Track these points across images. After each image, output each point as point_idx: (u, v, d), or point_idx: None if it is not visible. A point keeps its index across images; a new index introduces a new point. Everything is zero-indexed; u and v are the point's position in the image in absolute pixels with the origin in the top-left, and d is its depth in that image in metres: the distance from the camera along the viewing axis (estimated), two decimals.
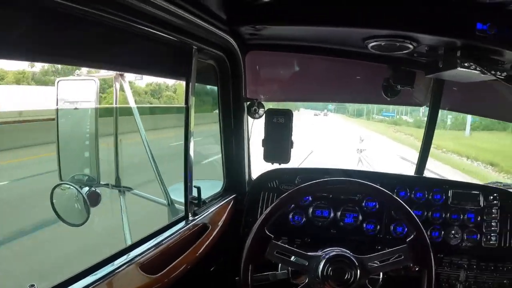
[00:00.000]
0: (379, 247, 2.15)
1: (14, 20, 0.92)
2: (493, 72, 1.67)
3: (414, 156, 2.74)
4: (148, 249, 1.54)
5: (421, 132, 2.47)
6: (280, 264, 1.78)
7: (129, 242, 2.42)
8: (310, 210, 2.26)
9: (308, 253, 1.63)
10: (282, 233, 2.19)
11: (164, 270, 1.54)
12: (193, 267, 1.74)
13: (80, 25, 1.14)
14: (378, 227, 2.24)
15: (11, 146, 7.41)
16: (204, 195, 2.08)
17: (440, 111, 2.39)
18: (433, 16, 1.54)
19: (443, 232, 2.23)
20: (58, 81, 2.44)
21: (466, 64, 1.67)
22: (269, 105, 2.31)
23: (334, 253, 1.61)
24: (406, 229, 2.13)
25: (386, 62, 2.24)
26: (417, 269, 1.60)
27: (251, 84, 2.31)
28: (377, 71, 2.33)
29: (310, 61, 2.39)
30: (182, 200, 1.96)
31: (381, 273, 1.79)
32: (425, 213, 2.25)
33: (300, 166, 2.80)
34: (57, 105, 2.39)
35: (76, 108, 2.50)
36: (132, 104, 3.08)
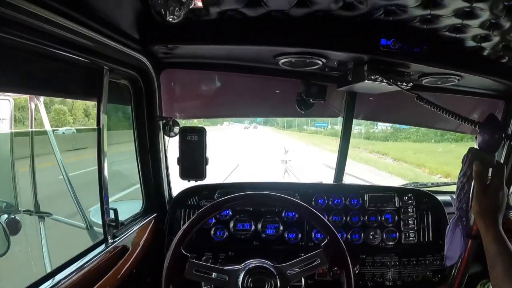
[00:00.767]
0: (302, 255, 2.20)
1: None
2: (398, 83, 1.81)
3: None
4: (70, 274, 1.48)
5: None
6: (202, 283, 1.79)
7: (49, 269, 2.29)
8: (232, 224, 2.28)
9: (227, 268, 1.64)
10: (205, 249, 2.20)
11: None
12: None
13: None
14: (300, 235, 2.31)
15: None
16: (126, 216, 2.04)
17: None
18: (340, 33, 1.63)
19: (363, 234, 2.36)
20: None
21: (373, 77, 1.79)
22: (191, 122, 2.31)
23: (252, 264, 1.63)
24: None
25: (298, 77, 2.32)
26: (339, 272, 1.65)
27: (168, 102, 2.30)
28: (291, 86, 2.41)
29: (225, 78, 2.43)
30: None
31: (303, 279, 1.85)
32: (344, 218, 2.37)
33: (225, 181, 2.81)
34: None
35: None
36: (47, 126, 2.95)
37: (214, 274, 1.61)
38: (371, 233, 2.37)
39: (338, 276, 1.66)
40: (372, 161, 19.67)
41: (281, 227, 2.31)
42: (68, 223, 2.98)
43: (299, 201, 1.75)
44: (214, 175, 2.49)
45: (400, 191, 2.49)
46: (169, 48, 1.81)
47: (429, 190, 2.59)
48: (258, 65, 2.16)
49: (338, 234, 1.66)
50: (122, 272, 1.78)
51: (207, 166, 2.03)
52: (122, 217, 1.96)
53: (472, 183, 1.38)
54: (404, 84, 1.83)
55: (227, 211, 2.29)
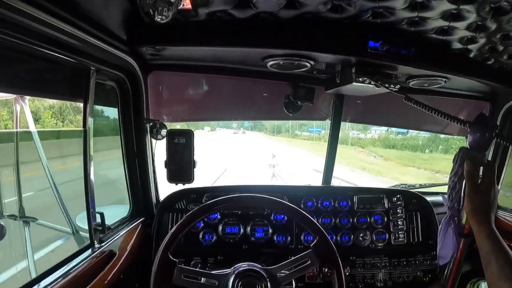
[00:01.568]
0: (292, 257, 2.21)
1: None
2: (386, 85, 1.81)
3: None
4: (56, 280, 1.45)
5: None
6: None
7: (34, 275, 2.25)
8: (220, 228, 2.27)
9: (216, 272, 1.62)
10: (194, 254, 2.18)
11: None
12: None
13: None
14: (289, 238, 2.31)
15: None
16: (113, 221, 2.01)
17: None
18: (328, 35, 1.63)
19: (352, 236, 2.37)
20: None
21: (360, 79, 1.80)
22: (177, 125, 2.29)
23: (242, 268, 1.61)
24: None
25: (286, 79, 2.33)
26: (329, 273, 1.65)
27: (155, 104, 2.28)
28: (278, 88, 2.41)
29: (213, 81, 2.42)
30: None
31: (293, 282, 1.83)
32: (333, 220, 2.38)
33: (214, 184, 2.80)
34: None
35: None
36: (32, 128, 2.91)
37: (203, 279, 1.58)
38: (361, 234, 2.38)
39: (328, 279, 1.66)
40: None
41: (270, 230, 2.30)
42: (53, 228, 2.93)
43: (286, 203, 1.73)
44: (202, 179, 2.47)
45: (388, 192, 2.52)
46: (157, 50, 1.80)
47: (418, 191, 2.61)
48: (246, 68, 2.16)
49: (328, 236, 1.65)
50: (109, 277, 1.75)
51: (195, 169, 2.02)
52: (109, 222, 1.93)
53: (464, 182, 1.38)
54: (392, 86, 1.83)
55: (216, 215, 2.28)
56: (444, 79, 2.01)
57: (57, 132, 7.12)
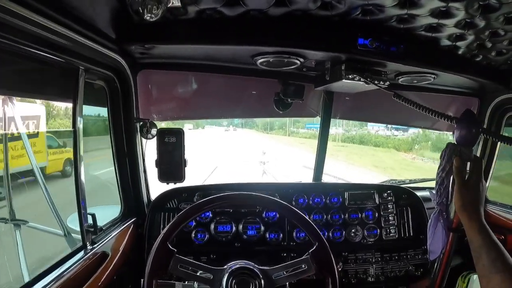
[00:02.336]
0: (284, 254, 2.24)
1: None
2: (376, 82, 1.83)
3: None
4: (49, 283, 1.44)
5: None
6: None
7: (27, 279, 2.23)
8: (212, 226, 2.26)
9: (212, 267, 1.61)
10: (187, 253, 2.13)
11: None
12: None
13: None
14: (281, 235, 2.31)
15: None
16: (105, 222, 2.00)
17: None
18: (318, 33, 1.63)
19: (344, 232, 2.39)
20: None
21: (350, 76, 1.81)
22: (168, 123, 2.28)
23: (237, 265, 1.61)
24: None
25: (276, 77, 2.33)
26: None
27: (145, 103, 2.27)
28: (268, 86, 2.42)
29: (203, 79, 2.41)
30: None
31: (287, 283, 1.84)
32: (325, 216, 2.39)
33: (204, 183, 2.79)
34: None
35: None
36: (20, 128, 2.89)
37: (199, 272, 1.58)
38: (352, 230, 2.41)
39: (321, 276, 1.66)
40: None
41: (262, 228, 2.30)
42: (45, 230, 2.90)
43: (287, 204, 1.74)
44: (193, 177, 2.46)
45: (379, 188, 2.54)
46: (146, 48, 1.79)
47: (408, 187, 2.64)
48: (236, 66, 2.16)
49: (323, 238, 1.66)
50: (103, 279, 1.74)
51: (185, 168, 2.01)
52: (101, 223, 1.92)
53: (451, 177, 1.40)
54: (381, 83, 1.85)
55: (208, 213, 2.27)
56: (433, 76, 2.03)
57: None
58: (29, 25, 1.11)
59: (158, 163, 1.98)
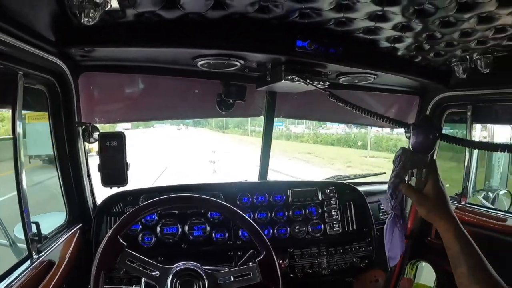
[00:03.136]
0: (231, 253, 2.26)
1: None
2: (315, 82, 1.89)
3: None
4: None
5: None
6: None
7: None
8: (159, 228, 2.24)
9: (160, 265, 1.62)
10: None
11: None
12: None
13: None
14: (227, 234, 2.33)
15: None
16: (50, 229, 1.94)
17: None
18: (257, 35, 1.65)
19: (289, 229, 2.44)
20: None
21: (289, 77, 1.85)
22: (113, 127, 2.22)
23: (183, 266, 1.62)
24: None
25: (218, 78, 2.35)
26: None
27: (87, 106, 2.20)
28: (211, 87, 2.44)
29: (146, 81, 2.39)
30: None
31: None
32: (269, 214, 2.44)
33: (154, 185, 2.75)
34: None
35: None
36: None
37: (146, 269, 1.59)
38: (297, 226, 2.46)
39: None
40: None
41: (208, 228, 2.31)
42: None
43: (236, 210, 1.78)
44: (143, 179, 2.43)
45: (322, 185, 2.62)
46: (86, 51, 1.76)
47: (351, 182, 2.73)
48: (178, 67, 2.15)
49: (265, 231, 1.69)
50: None
51: (128, 172, 1.97)
52: (47, 231, 1.87)
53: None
54: (321, 83, 1.92)
55: (153, 215, 2.25)
56: (373, 76, 2.11)
57: None
58: None
59: (101, 168, 1.94)
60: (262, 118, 2.75)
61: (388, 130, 18.69)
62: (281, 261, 2.29)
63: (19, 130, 1.64)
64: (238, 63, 1.85)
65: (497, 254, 2.32)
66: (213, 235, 2.31)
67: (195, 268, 1.61)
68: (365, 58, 1.89)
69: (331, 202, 2.56)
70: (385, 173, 3.28)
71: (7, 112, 2.12)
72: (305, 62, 1.82)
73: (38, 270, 1.67)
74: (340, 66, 1.90)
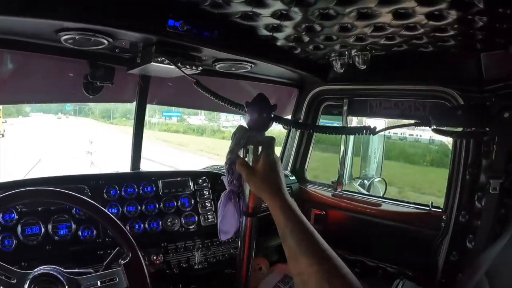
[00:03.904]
0: (101, 252, 2.04)
1: None
2: (187, 67, 1.78)
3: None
4: None
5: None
6: None
7: None
8: (19, 229, 1.93)
9: (16, 269, 1.40)
10: None
11: None
12: None
13: None
14: (95, 232, 2.10)
15: None
16: None
17: None
18: (127, 11, 1.50)
19: (161, 222, 2.28)
20: None
21: (159, 59, 1.72)
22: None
23: (41, 271, 1.41)
24: None
25: (85, 57, 2.10)
26: None
27: None
28: (78, 67, 2.18)
29: (2, 57, 2.04)
30: None
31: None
32: (139, 207, 2.26)
33: (25, 177, 2.40)
34: None
35: None
36: None
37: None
38: (169, 219, 2.32)
39: None
40: None
41: (74, 225, 2.05)
42: None
43: (96, 204, 1.58)
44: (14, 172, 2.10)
45: (194, 175, 2.52)
46: None
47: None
48: (40, 42, 1.86)
49: (136, 226, 1.53)
50: None
51: None
52: None
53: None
54: (194, 68, 1.81)
55: (12, 215, 1.93)
56: (250, 64, 2.06)
57: None
58: None
59: None
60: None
61: None
62: (155, 257, 2.14)
63: None
64: (105, 41, 1.65)
65: (373, 236, 2.49)
66: (80, 233, 2.06)
67: (54, 274, 1.41)
68: (243, 45, 1.83)
69: (204, 192, 2.48)
70: None
71: None
72: (178, 44, 1.70)
73: None
74: (215, 51, 1.80)
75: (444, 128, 1.55)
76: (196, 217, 2.39)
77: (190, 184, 2.45)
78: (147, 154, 2.87)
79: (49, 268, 1.43)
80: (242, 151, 1.32)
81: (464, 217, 2.20)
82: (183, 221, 2.35)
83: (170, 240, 2.29)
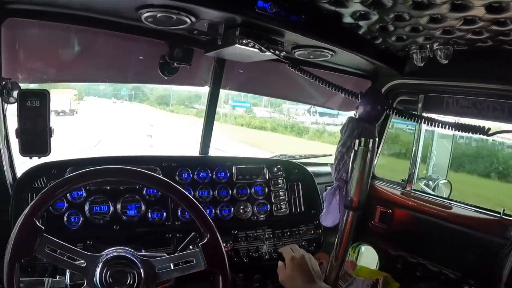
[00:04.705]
0: (169, 235, 2.08)
1: None
2: (272, 50, 1.71)
3: None
4: None
5: None
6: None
7: None
8: (87, 207, 1.99)
9: (87, 252, 1.37)
10: (59, 240, 1.88)
11: None
12: None
13: None
14: (164, 214, 2.13)
15: None
16: None
17: None
18: None
19: (233, 209, 2.29)
20: None
21: (244, 41, 1.68)
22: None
23: (114, 253, 1.39)
24: None
25: (163, 38, 2.11)
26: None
27: (10, 60, 1.86)
28: (154, 48, 2.19)
29: (81, 35, 2.07)
30: None
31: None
32: (212, 192, 2.27)
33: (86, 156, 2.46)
34: None
35: None
36: None
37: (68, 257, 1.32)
38: (241, 206, 2.33)
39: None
40: None
41: (143, 207, 2.09)
42: None
43: (175, 185, 1.54)
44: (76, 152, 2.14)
45: (269, 163, 2.50)
46: None
47: (298, 162, 2.65)
48: (119, 20, 1.88)
49: (207, 211, 1.52)
50: None
51: (51, 139, 1.65)
52: None
53: (352, 153, 1.36)
54: (277, 53, 1.75)
55: (81, 192, 1.99)
56: (330, 53, 2.00)
57: None
58: None
59: (20, 133, 1.61)
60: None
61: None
62: (224, 244, 2.09)
63: None
64: (188, 20, 1.61)
65: (439, 239, 2.39)
66: (149, 214, 2.10)
67: (129, 256, 1.39)
68: (327, 32, 1.76)
69: (278, 181, 2.46)
70: (331, 154, 3.26)
71: None
72: (263, 27, 1.65)
73: None
74: (299, 36, 1.74)
75: None
76: (269, 206, 2.38)
77: (265, 172, 2.44)
78: None
79: (121, 250, 1.41)
80: (355, 143, 1.30)
81: None
82: (255, 209, 2.34)
83: (241, 228, 2.29)
